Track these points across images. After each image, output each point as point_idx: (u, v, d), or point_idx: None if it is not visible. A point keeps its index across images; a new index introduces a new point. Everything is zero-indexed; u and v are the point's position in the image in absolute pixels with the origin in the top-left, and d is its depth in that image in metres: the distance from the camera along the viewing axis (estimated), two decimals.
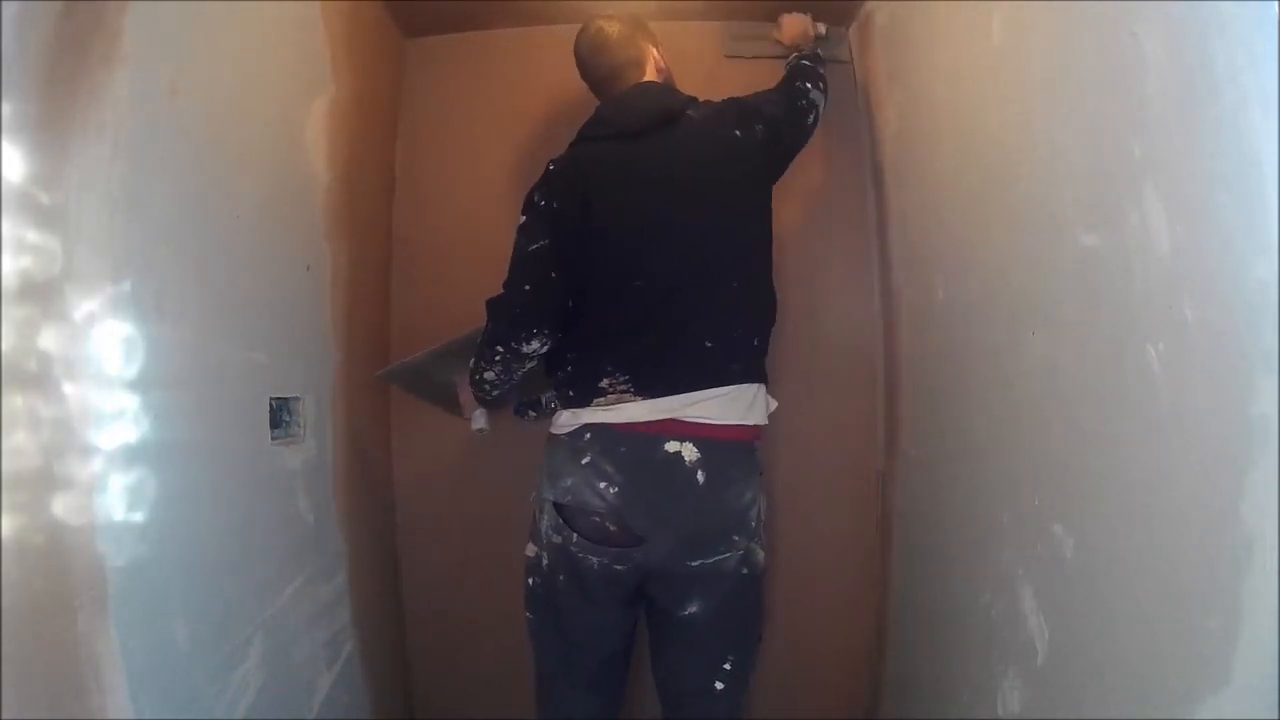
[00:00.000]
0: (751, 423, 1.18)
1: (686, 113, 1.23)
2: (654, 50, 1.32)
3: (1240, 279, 0.63)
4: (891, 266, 1.52)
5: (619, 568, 1.14)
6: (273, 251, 1.19)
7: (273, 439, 1.16)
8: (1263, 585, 0.62)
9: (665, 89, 1.29)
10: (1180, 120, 0.69)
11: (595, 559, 1.13)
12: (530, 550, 1.22)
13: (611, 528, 1.12)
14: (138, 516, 0.85)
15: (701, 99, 1.29)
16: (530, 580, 1.22)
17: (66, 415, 0.77)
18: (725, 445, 1.14)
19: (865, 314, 1.62)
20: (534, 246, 1.16)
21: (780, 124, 1.29)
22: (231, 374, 1.06)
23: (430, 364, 1.38)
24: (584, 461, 1.12)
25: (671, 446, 1.11)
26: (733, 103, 1.28)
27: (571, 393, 1.17)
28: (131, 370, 0.86)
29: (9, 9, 0.69)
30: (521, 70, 1.69)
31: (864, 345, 1.62)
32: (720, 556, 1.15)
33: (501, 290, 1.18)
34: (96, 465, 0.80)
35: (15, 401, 0.70)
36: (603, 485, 1.11)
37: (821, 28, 1.55)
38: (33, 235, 0.73)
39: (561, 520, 1.15)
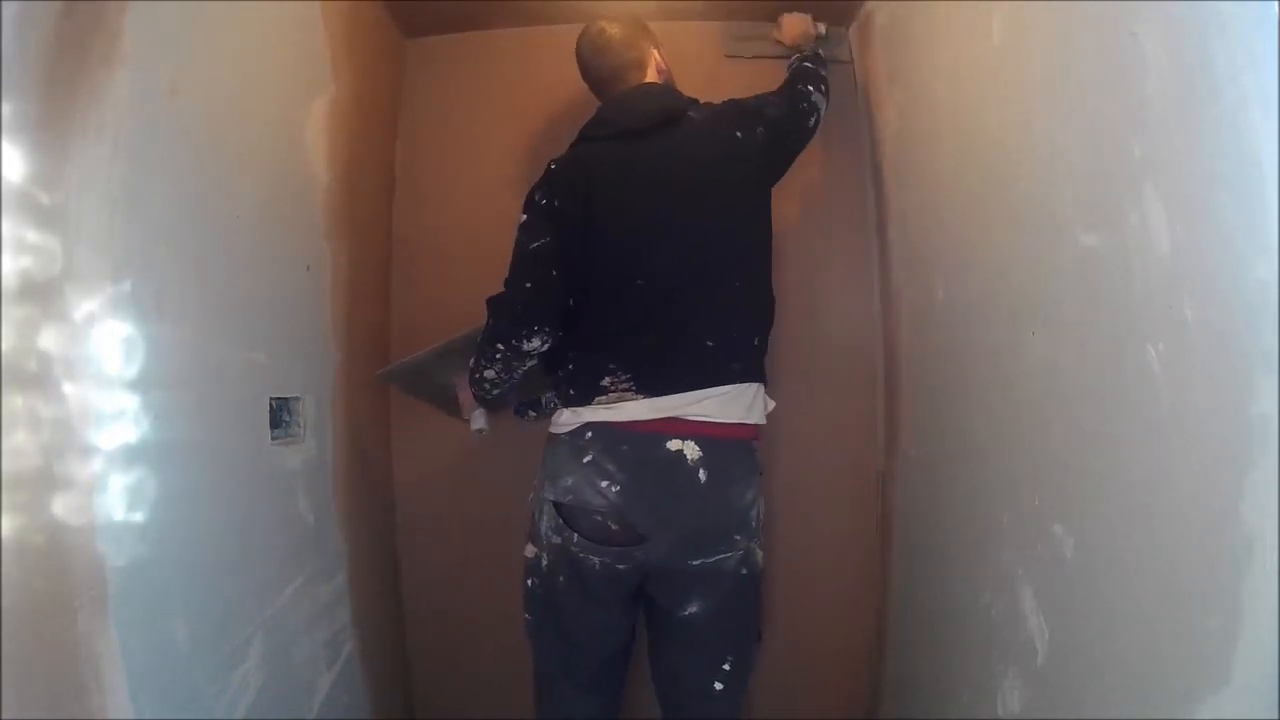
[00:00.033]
0: (752, 422, 1.18)
1: (688, 114, 1.24)
2: (655, 52, 1.32)
3: (1240, 279, 0.63)
4: (891, 266, 1.52)
5: (621, 567, 1.14)
6: (273, 251, 1.19)
7: (273, 439, 1.16)
8: (1263, 585, 0.62)
9: (666, 90, 1.29)
10: (1180, 120, 0.69)
11: (597, 559, 1.13)
12: (529, 551, 1.22)
13: (613, 526, 1.12)
14: (138, 516, 0.85)
15: (702, 100, 1.30)
16: (529, 581, 1.22)
17: (66, 415, 0.77)
18: (726, 444, 1.14)
19: (865, 314, 1.62)
20: (535, 245, 1.17)
21: (781, 126, 1.30)
22: (231, 374, 1.06)
23: (430, 363, 1.38)
24: (586, 460, 1.12)
25: (673, 445, 1.11)
26: (733, 104, 1.29)
27: (572, 391, 1.17)
28: (131, 370, 0.86)
29: (9, 9, 0.69)
30: (521, 70, 1.69)
31: (864, 345, 1.62)
32: (721, 556, 1.15)
33: (502, 288, 1.19)
34: (96, 465, 0.80)
35: (15, 401, 0.70)
36: (604, 484, 1.11)
37: (822, 27, 1.55)
38: (33, 235, 0.73)
39: (562, 520, 1.15)
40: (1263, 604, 0.62)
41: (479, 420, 1.35)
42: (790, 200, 1.61)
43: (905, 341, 1.46)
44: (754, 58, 1.65)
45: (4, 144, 0.69)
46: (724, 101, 1.30)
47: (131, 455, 0.85)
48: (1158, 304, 0.72)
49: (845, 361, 1.63)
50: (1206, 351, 0.67)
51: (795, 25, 1.51)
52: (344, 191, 1.41)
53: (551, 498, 1.15)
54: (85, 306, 0.79)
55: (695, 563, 1.14)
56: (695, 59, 1.61)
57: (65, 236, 0.77)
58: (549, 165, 1.22)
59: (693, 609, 1.16)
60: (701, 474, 1.11)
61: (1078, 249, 0.85)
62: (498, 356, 1.20)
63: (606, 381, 1.14)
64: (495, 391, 1.27)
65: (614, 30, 1.30)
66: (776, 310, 1.26)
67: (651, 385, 1.13)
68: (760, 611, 1.28)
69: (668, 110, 1.23)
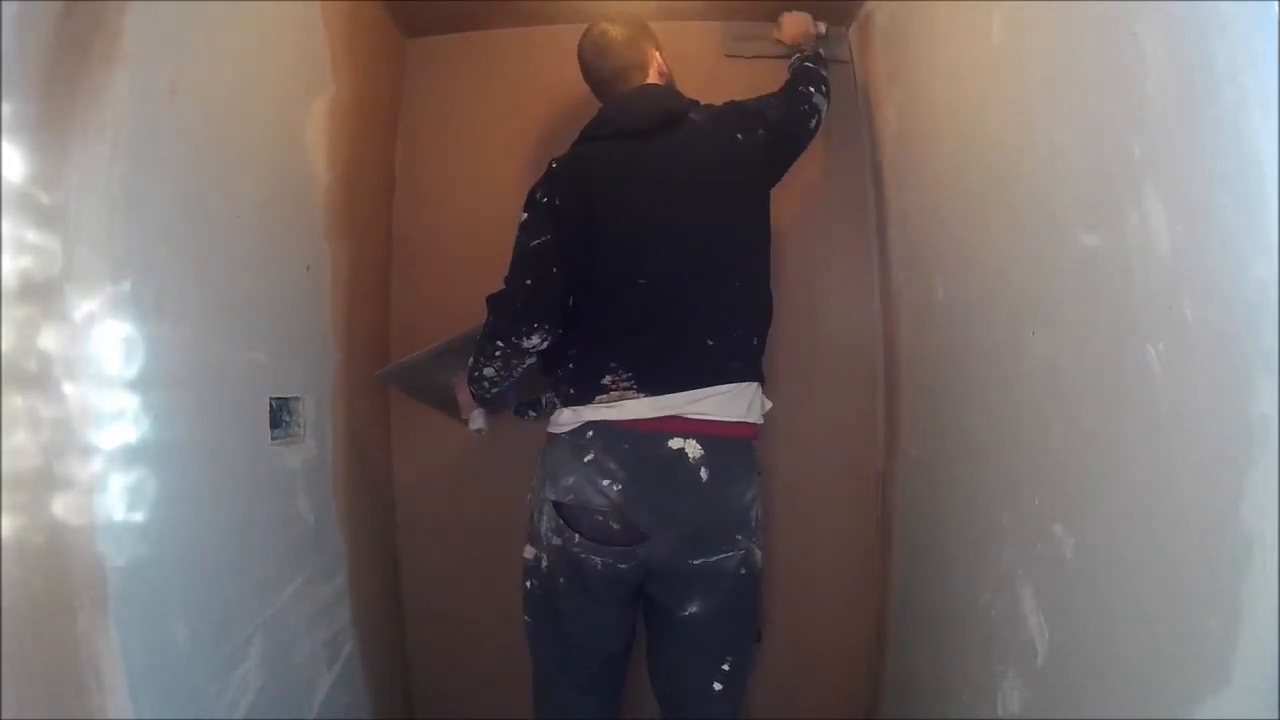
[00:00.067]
0: (752, 420, 1.19)
1: (689, 115, 1.25)
2: (656, 54, 1.33)
3: (1240, 279, 0.63)
4: (891, 266, 1.52)
5: (622, 566, 1.14)
6: (273, 251, 1.19)
7: (273, 439, 1.16)
8: (1263, 585, 0.62)
9: (667, 91, 1.30)
10: (1180, 120, 0.69)
11: (598, 559, 1.13)
12: (529, 553, 1.22)
13: (614, 526, 1.12)
14: (138, 516, 0.85)
15: (702, 100, 1.30)
16: (528, 583, 1.21)
17: (66, 415, 0.77)
18: (727, 443, 1.15)
19: (865, 314, 1.62)
20: (536, 242, 1.17)
21: (782, 128, 1.30)
22: (231, 374, 1.06)
23: (429, 363, 1.38)
24: (587, 459, 1.13)
25: (675, 443, 1.11)
26: (734, 106, 1.29)
27: (572, 390, 1.17)
28: (131, 370, 0.86)
29: (9, 9, 0.69)
30: (521, 70, 1.69)
31: (864, 345, 1.62)
32: (722, 555, 1.15)
33: (503, 286, 1.19)
34: (96, 465, 0.80)
35: (15, 401, 0.70)
36: (606, 483, 1.11)
37: (822, 27, 1.55)
38: (33, 235, 0.73)
39: (562, 521, 1.15)
40: (1263, 604, 0.62)
41: (478, 420, 1.35)
42: (790, 200, 1.61)
43: (905, 341, 1.46)
44: (754, 57, 1.65)
45: (4, 144, 0.69)
46: (724, 103, 1.30)
47: (131, 455, 0.85)
48: (1158, 304, 0.72)
49: (845, 361, 1.63)
50: (1206, 351, 0.67)
51: (795, 24, 1.51)
52: (344, 191, 1.41)
53: (552, 498, 1.15)
54: (85, 306, 0.79)
55: (696, 562, 1.14)
56: (695, 59, 1.61)
57: (65, 236, 0.77)
58: (550, 164, 1.22)
59: (693, 609, 1.16)
60: (703, 472, 1.11)
61: (1078, 249, 0.85)
62: (497, 354, 1.20)
63: (607, 380, 1.14)
64: (494, 390, 1.27)
65: (616, 32, 1.30)
66: (776, 310, 1.26)
67: (652, 384, 1.13)
68: (759, 612, 1.28)
69: (669, 111, 1.23)
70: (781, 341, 1.51)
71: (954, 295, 1.22)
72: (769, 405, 1.24)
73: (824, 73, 1.43)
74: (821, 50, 1.51)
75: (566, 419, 1.17)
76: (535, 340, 1.18)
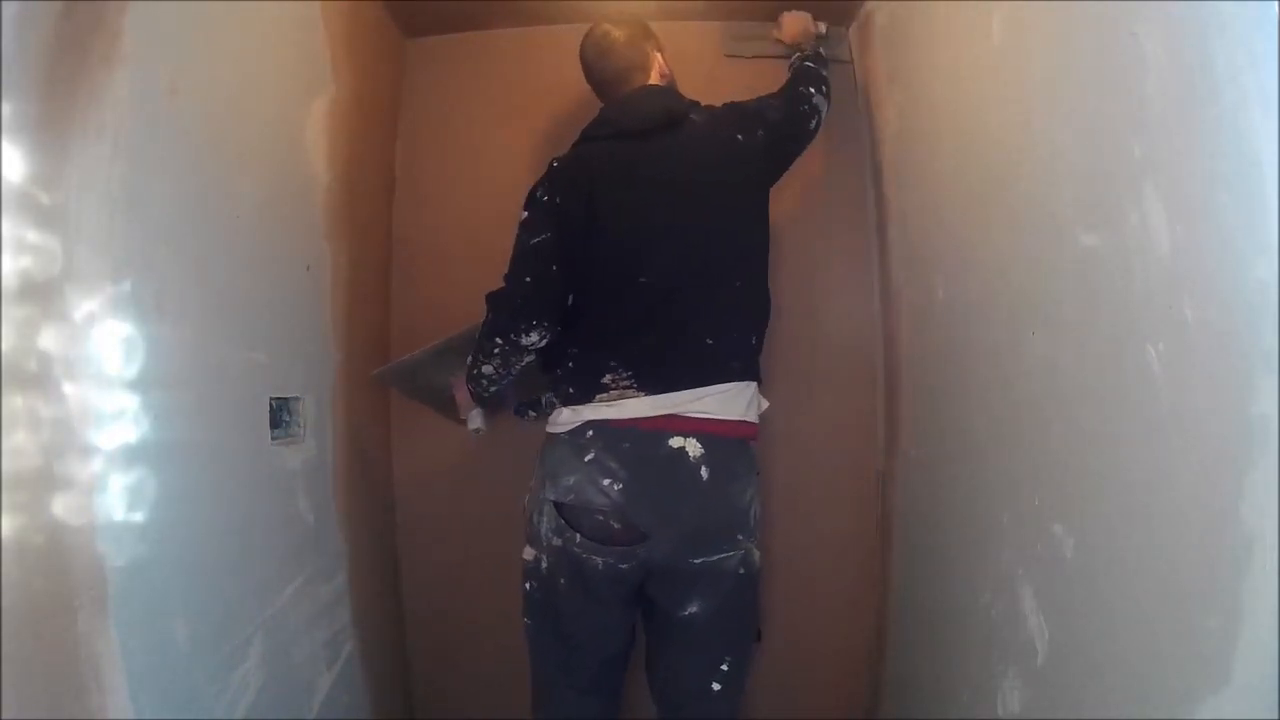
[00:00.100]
0: (751, 420, 1.19)
1: (689, 116, 1.25)
2: (658, 55, 1.33)
3: (1240, 279, 0.63)
4: (891, 266, 1.52)
5: (623, 566, 1.14)
6: (273, 251, 1.19)
7: (273, 439, 1.16)
8: (1263, 585, 0.62)
9: (668, 92, 1.30)
10: (1180, 120, 0.69)
11: (600, 559, 1.13)
12: (528, 554, 1.21)
13: (615, 525, 1.12)
14: (138, 516, 0.85)
15: (702, 100, 1.30)
16: (528, 585, 1.21)
17: (66, 415, 0.77)
18: (727, 442, 1.15)
19: (865, 314, 1.62)
20: (536, 240, 1.17)
21: (782, 128, 1.30)
22: (231, 374, 1.06)
23: (427, 362, 1.38)
24: (587, 459, 1.13)
25: (675, 442, 1.11)
26: (734, 107, 1.30)
27: (571, 390, 1.17)
28: (131, 370, 0.86)
29: (9, 9, 0.69)
30: (521, 70, 1.69)
31: (864, 345, 1.62)
32: (723, 555, 1.15)
33: (502, 284, 1.19)
34: (96, 465, 0.80)
35: (15, 401, 0.70)
36: (606, 482, 1.11)
37: (822, 27, 1.55)
38: (33, 235, 0.73)
39: (563, 521, 1.15)
40: (1263, 604, 0.62)
41: (476, 420, 1.35)
42: (790, 200, 1.61)
43: (905, 341, 1.46)
44: (754, 57, 1.65)
45: (4, 144, 0.69)
46: (724, 104, 1.30)
47: (131, 455, 0.85)
48: (1158, 304, 0.72)
49: (845, 361, 1.63)
50: (1206, 351, 0.67)
51: (795, 24, 1.51)
52: (344, 191, 1.41)
53: (552, 498, 1.15)
54: (85, 306, 0.79)
55: (696, 561, 1.14)
56: (695, 59, 1.61)
57: (65, 236, 0.77)
58: (551, 163, 1.22)
59: (692, 609, 1.16)
60: (703, 471, 1.11)
61: (1078, 249, 0.85)
62: (496, 351, 1.20)
63: (607, 379, 1.14)
64: (492, 388, 1.27)
65: (618, 33, 1.31)
66: (775, 310, 1.27)
67: (653, 383, 1.13)
68: (758, 612, 1.28)
69: (670, 112, 1.23)
70: (781, 341, 1.52)
71: (954, 295, 1.22)
72: (766, 405, 1.25)
73: (824, 73, 1.44)
74: (822, 50, 1.51)
75: (566, 418, 1.17)
76: (534, 338, 1.18)
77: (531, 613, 1.23)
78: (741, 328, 1.20)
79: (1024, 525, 0.99)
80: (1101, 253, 0.81)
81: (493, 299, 1.19)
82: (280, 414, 1.18)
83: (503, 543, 1.36)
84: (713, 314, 1.17)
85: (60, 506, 0.75)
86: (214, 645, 0.98)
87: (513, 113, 1.68)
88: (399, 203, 1.69)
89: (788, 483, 1.60)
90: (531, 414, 1.38)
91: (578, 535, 1.13)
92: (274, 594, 1.13)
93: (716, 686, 1.19)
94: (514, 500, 1.27)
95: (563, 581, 1.16)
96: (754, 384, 1.21)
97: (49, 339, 0.75)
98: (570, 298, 1.19)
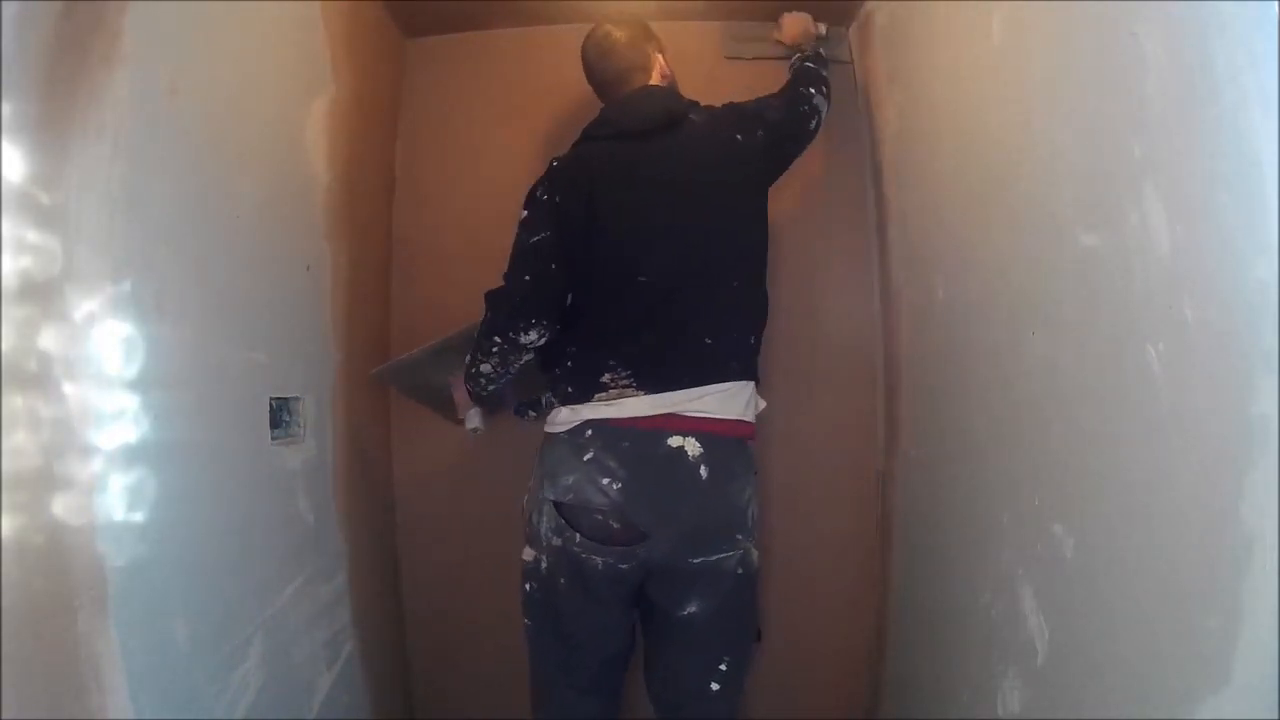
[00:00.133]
0: (749, 419, 1.19)
1: (689, 116, 1.26)
2: (659, 56, 1.34)
3: (1240, 279, 0.63)
4: (891, 266, 1.52)
5: (623, 566, 1.14)
6: (273, 251, 1.19)
7: (273, 439, 1.16)
8: (1263, 585, 0.62)
9: (669, 93, 1.31)
10: (1180, 120, 0.69)
11: (599, 559, 1.13)
12: (527, 555, 1.21)
13: (614, 525, 1.12)
14: (138, 516, 0.85)
15: (703, 101, 1.30)
16: (527, 585, 1.21)
17: (66, 415, 0.77)
18: (726, 441, 1.15)
19: (865, 314, 1.62)
20: (535, 239, 1.17)
21: (782, 129, 1.31)
22: (231, 374, 1.06)
23: (426, 361, 1.38)
24: (586, 458, 1.13)
25: (674, 441, 1.11)
26: (733, 108, 1.30)
27: (570, 389, 1.17)
28: (131, 370, 0.86)
29: (9, 9, 0.69)
30: (521, 70, 1.69)
31: (864, 345, 1.62)
32: (722, 555, 1.15)
33: (501, 282, 1.19)
34: (96, 465, 0.80)
35: (15, 401, 0.70)
36: (605, 481, 1.11)
37: (822, 28, 1.55)
38: (33, 235, 0.73)
39: (563, 521, 1.15)
40: (1263, 604, 0.62)
41: (474, 419, 1.35)
42: (790, 200, 1.61)
43: (905, 341, 1.46)
44: (754, 59, 1.65)
45: (4, 144, 0.69)
46: (724, 105, 1.31)
47: (131, 455, 0.85)
48: (1158, 304, 0.72)
49: (845, 361, 1.63)
50: (1206, 351, 0.67)
51: (795, 25, 1.51)
52: (344, 191, 1.41)
53: (551, 497, 1.15)
54: (85, 306, 0.79)
55: (696, 560, 1.14)
56: (695, 59, 1.61)
57: (65, 236, 0.77)
58: (551, 162, 1.23)
59: (691, 609, 1.16)
60: (702, 470, 1.11)
61: (1078, 249, 0.85)
62: (494, 350, 1.20)
63: (606, 378, 1.14)
64: (490, 387, 1.27)
65: (619, 34, 1.31)
66: (775, 310, 1.27)
67: (652, 382, 1.13)
68: (757, 611, 1.28)
69: (670, 112, 1.24)
70: (781, 341, 1.52)
71: (954, 295, 1.22)
72: (763, 405, 1.25)
73: (825, 73, 1.44)
74: (822, 51, 1.51)
75: (565, 418, 1.17)
76: (533, 336, 1.18)
77: (531, 613, 1.23)
78: (741, 327, 1.21)
79: (1024, 525, 0.99)
80: (1101, 253, 0.81)
81: (491, 297, 1.20)
82: (280, 414, 1.18)
83: (503, 543, 1.36)
84: (712, 314, 1.17)
85: (60, 506, 0.75)
86: (214, 645, 0.98)
87: (513, 113, 1.68)
88: (399, 203, 1.69)
89: (788, 483, 1.60)
90: (532, 414, 1.38)
91: (577, 535, 1.13)
92: (274, 594, 1.13)
93: (715, 686, 1.19)
94: (514, 500, 1.27)
95: (563, 581, 1.16)
96: (752, 384, 1.21)
97: (49, 339, 0.75)
98: (569, 297, 1.19)
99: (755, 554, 1.20)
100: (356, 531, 1.42)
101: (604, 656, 1.23)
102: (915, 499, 1.43)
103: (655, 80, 1.31)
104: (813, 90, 1.38)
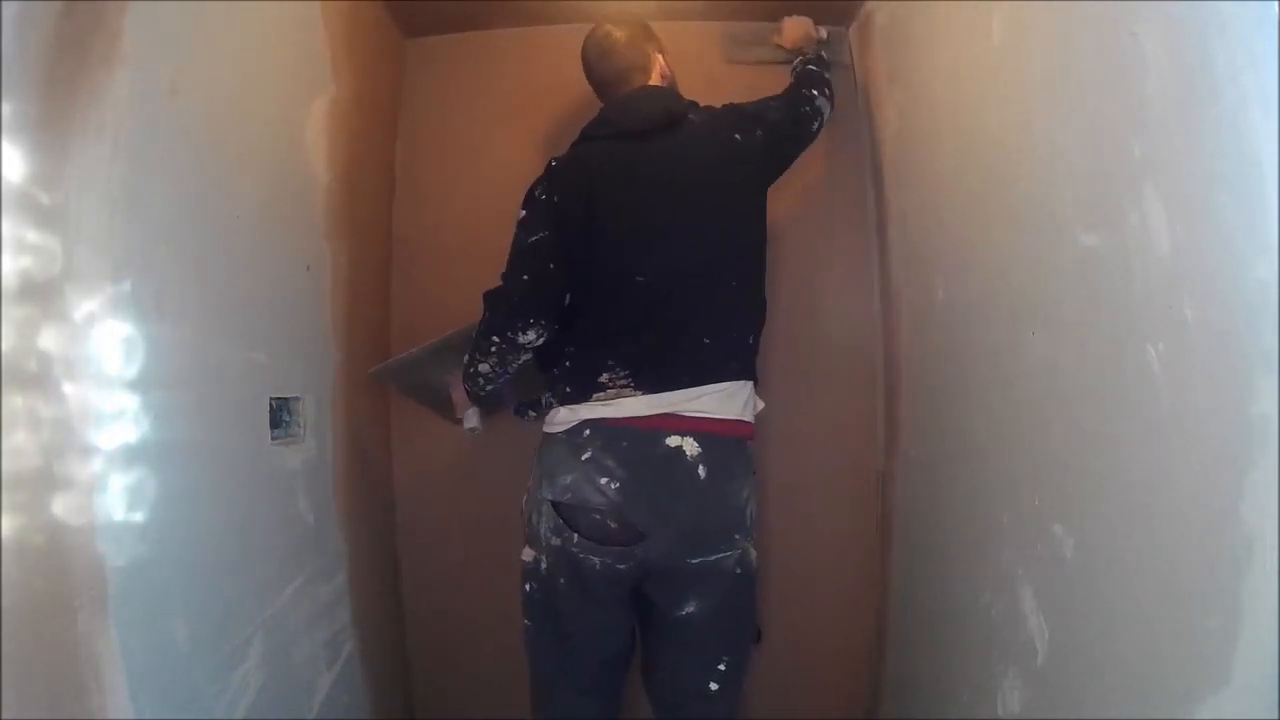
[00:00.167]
0: (747, 419, 1.19)
1: (688, 116, 1.26)
2: (659, 56, 1.34)
3: (1240, 279, 0.63)
4: (891, 266, 1.52)
5: (621, 567, 1.14)
6: (273, 251, 1.19)
7: (273, 439, 1.16)
8: (1263, 585, 0.62)
9: (668, 93, 1.31)
10: (1180, 120, 0.69)
11: (597, 559, 1.13)
12: (527, 555, 1.21)
13: (612, 525, 1.12)
14: (138, 516, 0.85)
15: (702, 101, 1.31)
16: (527, 586, 1.21)
17: (66, 415, 0.77)
18: (725, 441, 1.15)
19: (865, 314, 1.62)
20: (534, 239, 1.17)
21: (781, 129, 1.31)
22: (231, 374, 1.06)
23: (425, 360, 1.38)
24: (585, 458, 1.13)
25: (673, 441, 1.11)
26: (733, 109, 1.30)
27: (569, 389, 1.17)
28: (131, 370, 0.86)
29: (9, 9, 0.69)
30: (521, 70, 1.69)
31: (864, 345, 1.62)
32: (720, 555, 1.15)
33: (500, 282, 1.19)
34: (96, 465, 0.80)
35: (15, 401, 0.70)
36: (604, 481, 1.11)
37: (823, 32, 1.55)
38: (33, 235, 0.73)
39: (561, 520, 1.14)
40: (1263, 604, 0.62)
41: (472, 419, 1.35)
42: (790, 200, 1.61)
43: (905, 341, 1.46)
44: (754, 63, 1.65)
45: (4, 144, 0.69)
46: (724, 105, 1.31)
47: (131, 455, 0.85)
48: (1158, 304, 0.72)
49: (845, 361, 1.63)
50: (1206, 351, 0.67)
51: (797, 29, 1.52)
52: (344, 191, 1.41)
53: (550, 497, 1.15)
54: (85, 306, 0.79)
55: (694, 561, 1.14)
56: (695, 59, 1.61)
57: (65, 236, 0.77)
58: (550, 162, 1.22)
59: (690, 609, 1.16)
60: (701, 470, 1.11)
61: (1078, 249, 0.85)
62: (493, 350, 1.20)
63: (605, 378, 1.14)
64: (489, 387, 1.27)
65: (619, 34, 1.31)
66: (775, 310, 1.28)
67: (650, 382, 1.13)
68: (755, 611, 1.28)
69: (669, 113, 1.24)
70: (781, 341, 1.52)
71: (954, 295, 1.22)
72: (761, 405, 1.25)
73: (827, 75, 1.44)
74: (823, 54, 1.51)
75: (563, 418, 1.17)
76: (531, 336, 1.18)
77: (531, 614, 1.22)
78: (739, 328, 1.21)
79: (1024, 525, 0.99)
80: (1101, 253, 0.81)
81: (490, 297, 1.20)
82: (280, 414, 1.18)
83: (503, 543, 1.36)
84: (711, 314, 1.17)
85: (60, 506, 0.75)
86: (214, 645, 0.98)
87: (513, 113, 1.68)
88: (399, 203, 1.69)
89: (787, 483, 1.60)
90: (532, 414, 1.38)
91: (575, 535, 1.13)
92: (274, 594, 1.13)
93: (714, 686, 1.19)
94: (513, 500, 1.27)
95: (562, 581, 1.16)
96: (750, 384, 1.21)
97: (49, 339, 0.75)
98: (568, 297, 1.19)
99: (754, 554, 1.20)
100: (356, 531, 1.42)
101: (603, 657, 1.23)
102: (915, 499, 1.43)
103: (655, 80, 1.31)
104: (815, 92, 1.38)
